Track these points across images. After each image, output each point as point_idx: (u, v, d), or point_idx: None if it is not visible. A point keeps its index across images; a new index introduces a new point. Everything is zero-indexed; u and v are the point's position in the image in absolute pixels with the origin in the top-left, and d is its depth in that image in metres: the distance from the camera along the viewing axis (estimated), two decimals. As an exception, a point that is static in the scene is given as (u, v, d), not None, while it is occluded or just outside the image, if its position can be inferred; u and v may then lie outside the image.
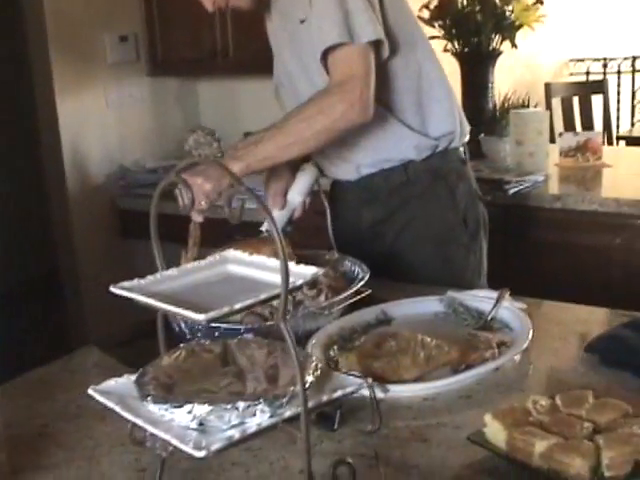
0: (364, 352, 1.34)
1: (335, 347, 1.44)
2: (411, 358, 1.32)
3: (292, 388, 1.04)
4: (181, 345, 1.21)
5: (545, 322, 1.57)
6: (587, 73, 5.91)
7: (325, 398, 1.08)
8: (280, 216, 1.78)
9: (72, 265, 3.38)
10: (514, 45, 3.11)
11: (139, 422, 1.05)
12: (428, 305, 1.62)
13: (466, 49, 3.12)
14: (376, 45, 1.70)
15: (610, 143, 4.60)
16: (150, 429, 1.03)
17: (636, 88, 5.95)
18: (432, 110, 1.83)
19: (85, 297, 3.42)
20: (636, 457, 1.02)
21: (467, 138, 1.93)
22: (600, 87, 4.82)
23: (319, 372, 1.10)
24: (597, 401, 1.16)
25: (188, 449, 0.98)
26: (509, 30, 3.02)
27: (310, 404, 1.05)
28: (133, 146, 3.61)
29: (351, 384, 1.12)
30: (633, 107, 5.94)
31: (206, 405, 1.01)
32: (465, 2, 3.07)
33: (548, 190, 2.70)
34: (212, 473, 1.15)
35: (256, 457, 1.18)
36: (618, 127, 5.59)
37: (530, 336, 1.42)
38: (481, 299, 1.60)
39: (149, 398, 1.05)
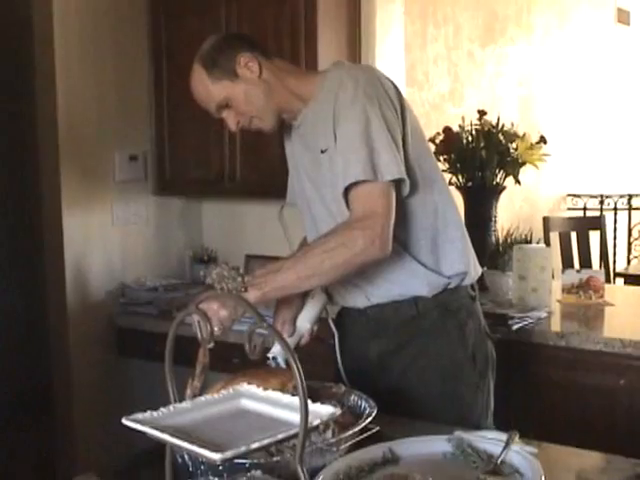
0: (375, 494, 1.30)
1: (342, 486, 1.40)
2: (423, 503, 1.27)
3: (304, 534, 1.00)
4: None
5: (556, 468, 1.53)
6: (584, 209, 6.02)
7: None
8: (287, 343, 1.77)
9: (67, 380, 3.32)
10: (517, 182, 3.17)
11: None
12: (436, 445, 1.58)
13: (470, 183, 3.18)
14: (397, 183, 1.73)
15: (608, 280, 4.63)
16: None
17: (632, 225, 6.05)
18: (446, 250, 1.85)
19: (77, 416, 3.34)
20: None
21: (478, 277, 1.94)
22: (597, 223, 4.90)
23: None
24: None
25: None
26: (513, 167, 3.08)
27: None
28: (135, 264, 3.62)
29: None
30: (630, 244, 6.02)
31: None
32: (470, 138, 3.15)
33: (551, 327, 2.69)
34: None
35: None
36: (615, 263, 5.65)
37: (542, 483, 1.38)
38: (490, 441, 1.56)
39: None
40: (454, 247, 1.86)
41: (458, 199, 3.18)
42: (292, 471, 1.45)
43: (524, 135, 3.12)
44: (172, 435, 1.01)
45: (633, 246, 6.05)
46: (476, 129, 3.16)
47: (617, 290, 3.90)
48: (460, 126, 3.20)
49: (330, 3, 3.11)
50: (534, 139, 3.14)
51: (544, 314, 2.74)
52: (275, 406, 1.12)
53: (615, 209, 6.02)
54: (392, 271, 1.81)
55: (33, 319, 3.30)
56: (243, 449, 0.96)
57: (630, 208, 6.07)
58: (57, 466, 3.23)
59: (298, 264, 1.65)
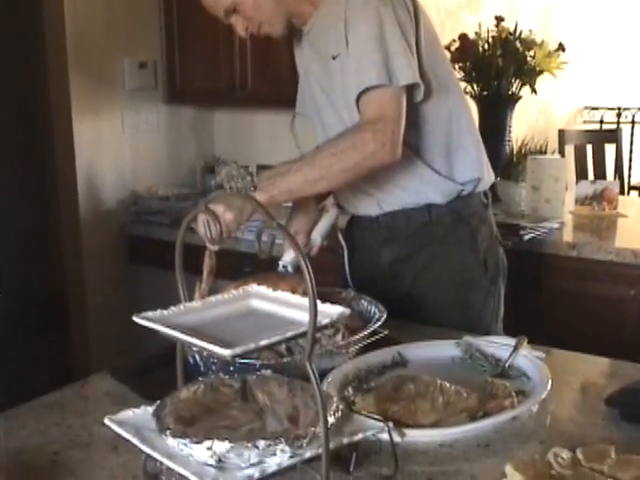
0: (382, 394, 1.32)
1: (350, 387, 1.42)
2: (430, 403, 1.29)
3: (313, 429, 1.02)
4: (200, 379, 1.19)
5: (563, 372, 1.54)
6: (601, 122, 5.93)
7: (345, 440, 1.06)
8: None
9: (80, 287, 3.36)
10: (534, 91, 3.11)
11: (156, 455, 1.03)
12: (445, 349, 1.60)
13: (485, 92, 3.12)
14: (410, 88, 1.70)
15: (622, 193, 4.59)
16: (167, 463, 1.01)
17: (649, 138, 5.96)
18: (459, 157, 1.83)
19: (90, 320, 3.40)
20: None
21: (491, 184, 1.92)
22: (614, 136, 4.83)
23: (340, 413, 1.08)
24: (620, 457, 1.14)
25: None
26: (530, 75, 3.02)
27: (331, 445, 1.03)
28: (146, 173, 3.61)
29: (371, 427, 1.11)
30: (646, 157, 5.95)
31: (226, 442, 0.99)
32: (487, 46, 3.08)
33: (563, 238, 2.68)
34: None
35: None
36: (630, 177, 5.60)
37: (549, 386, 1.40)
38: (498, 346, 1.58)
39: (168, 432, 1.03)
40: (467, 153, 1.83)
41: (473, 109, 3.14)
42: (302, 372, 1.46)
43: (542, 42, 3.05)
44: (183, 332, 1.02)
45: (649, 159, 5.98)
46: (493, 36, 3.08)
47: (631, 202, 3.88)
48: (476, 33, 3.12)
49: None
50: (552, 47, 3.07)
51: (556, 225, 2.73)
52: (285, 306, 1.12)
53: (633, 122, 5.92)
54: (404, 178, 1.79)
55: (47, 228, 3.32)
56: (252, 346, 0.96)
57: (648, 121, 5.98)
58: (72, 367, 3.30)
59: (306, 167, 1.63)
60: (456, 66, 3.10)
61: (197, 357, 1.46)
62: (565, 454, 1.14)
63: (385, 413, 1.29)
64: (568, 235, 2.74)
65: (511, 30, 3.07)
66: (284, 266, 1.74)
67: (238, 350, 0.95)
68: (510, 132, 3.11)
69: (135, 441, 1.06)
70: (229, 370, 1.40)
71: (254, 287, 1.19)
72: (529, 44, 3.04)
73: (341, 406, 1.10)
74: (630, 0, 6.12)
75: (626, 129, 5.54)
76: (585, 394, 1.47)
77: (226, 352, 0.95)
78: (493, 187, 3.00)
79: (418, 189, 1.81)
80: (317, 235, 1.81)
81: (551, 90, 4.95)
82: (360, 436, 1.07)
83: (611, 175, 4.66)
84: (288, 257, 1.75)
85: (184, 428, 1.03)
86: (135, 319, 1.07)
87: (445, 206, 1.82)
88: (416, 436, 1.26)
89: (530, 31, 3.13)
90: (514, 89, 3.10)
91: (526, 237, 2.57)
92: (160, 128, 3.66)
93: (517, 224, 2.63)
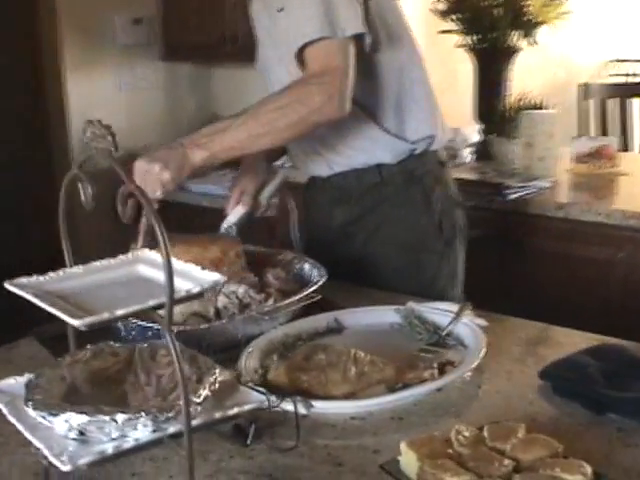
0: (293, 364, 1.26)
1: (275, 355, 1.36)
2: (341, 373, 1.23)
3: (181, 403, 0.96)
4: (88, 346, 1.14)
5: (507, 341, 1.47)
6: (627, 75, 5.70)
7: (218, 415, 1.00)
8: (243, 214, 1.71)
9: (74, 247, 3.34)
10: (534, 42, 2.98)
11: (19, 427, 0.99)
12: (384, 315, 1.53)
13: (484, 45, 2.99)
14: (358, 39, 1.61)
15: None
16: (28, 435, 0.97)
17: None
18: (411, 111, 1.73)
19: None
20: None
21: (447, 142, 1.83)
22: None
23: (216, 386, 1.02)
24: (527, 436, 1.06)
25: (55, 460, 0.91)
26: (528, 27, 2.89)
27: (198, 420, 0.98)
28: (143, 131, 3.56)
29: (254, 400, 1.05)
30: (674, 113, 5.71)
31: (84, 415, 0.94)
32: (484, -5, 2.95)
33: (554, 197, 2.57)
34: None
35: (158, 468, 1.10)
36: (656, 132, 5.39)
37: (481, 356, 1.32)
38: (441, 312, 1.50)
39: (30, 403, 0.98)
40: (420, 109, 1.74)
41: (467, 65, 3.02)
42: (225, 338, 1.42)
43: (539, -9, 2.90)
44: (47, 300, 0.96)
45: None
46: (489, -17, 2.94)
47: (636, 159, 3.66)
48: (473, -19, 2.99)
49: None
50: (552, -4, 2.92)
51: (547, 184, 2.61)
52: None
53: (663, 75, 5.69)
54: (352, 137, 1.71)
55: (41, 193, 3.30)
56: (106, 316, 0.91)
57: (680, 74, 5.72)
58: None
59: (250, 122, 1.55)
60: (453, 16, 2.98)
61: (119, 323, 1.42)
62: (468, 431, 1.07)
63: (295, 383, 1.24)
64: (559, 195, 2.62)
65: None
66: (229, 226, 1.68)
67: (88, 320, 0.90)
68: (507, 86, 2.98)
69: (5, 411, 1.02)
70: (147, 336, 1.35)
71: (145, 252, 1.13)
72: (526, -7, 2.90)
73: (221, 377, 1.04)
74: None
75: (653, 83, 5.31)
76: (524, 365, 1.38)
77: (75, 322, 0.89)
78: (485, 144, 2.92)
79: (367, 149, 1.73)
80: (265, 195, 1.74)
81: (572, 42, 4.76)
82: (235, 410, 1.01)
83: (637, 131, 4.48)
84: (233, 218, 1.69)
85: (49, 399, 0.99)
86: (7, 285, 1.02)
87: (396, 165, 1.74)
88: (323, 408, 1.20)
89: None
90: (514, 41, 2.97)
91: (510, 197, 2.47)
92: (157, 85, 3.60)
93: (502, 183, 2.52)
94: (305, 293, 1.49)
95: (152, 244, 1.60)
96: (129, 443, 0.94)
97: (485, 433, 1.08)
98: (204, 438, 1.13)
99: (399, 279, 1.74)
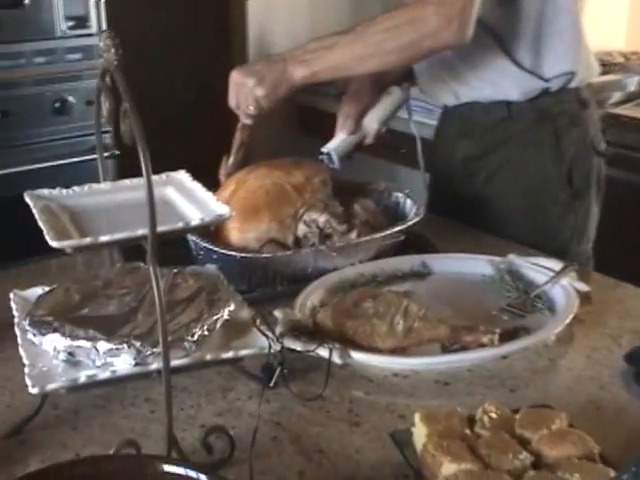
0: (340, 308, 1.16)
1: (340, 295, 1.27)
2: (388, 326, 1.12)
3: (170, 338, 0.91)
4: (130, 263, 1.12)
5: (608, 313, 1.27)
6: None
7: (209, 357, 0.94)
8: (346, 141, 1.60)
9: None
10: None
11: (19, 340, 0.98)
12: (477, 265, 1.38)
13: None
14: None
15: None
16: (21, 352, 0.96)
17: None
18: (552, 44, 1.51)
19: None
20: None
21: (592, 79, 1.59)
22: None
23: (217, 327, 0.96)
24: (562, 429, 0.91)
25: (27, 380, 0.89)
26: None
27: (185, 360, 0.93)
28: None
29: (255, 346, 0.98)
30: None
31: (68, 339, 0.92)
32: None
33: None
34: (120, 406, 1.03)
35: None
36: None
37: (559, 327, 1.16)
38: (541, 270, 1.33)
39: (28, 318, 0.97)
40: (561, 40, 1.50)
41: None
42: (294, 269, 1.34)
43: None
44: (44, 213, 0.94)
45: None
46: None
47: None
48: None
49: None
50: None
51: None
52: (190, 200, 1.00)
53: None
54: (481, 69, 1.53)
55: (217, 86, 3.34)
56: (87, 241, 0.86)
57: None
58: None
59: (356, 41, 1.43)
60: None
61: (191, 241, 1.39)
62: (498, 412, 0.94)
63: (341, 329, 1.15)
64: None
65: None
66: (327, 153, 1.58)
67: (67, 243, 0.86)
68: None
69: (17, 330, 1.01)
70: (212, 259, 1.31)
71: (180, 174, 1.08)
72: None
73: (226, 316, 0.98)
74: None
75: None
76: (615, 344, 1.18)
77: (53, 243, 0.86)
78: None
79: (495, 81, 1.54)
80: (372, 121, 1.60)
81: None
82: (230, 354, 0.95)
83: None
84: (332, 144, 1.59)
85: (47, 317, 0.97)
86: (25, 196, 1.00)
87: (527, 102, 1.54)
88: (361, 359, 1.10)
89: None
90: None
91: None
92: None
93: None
94: (396, 229, 1.37)
95: (243, 161, 1.57)
96: (105, 374, 0.90)
97: (517, 416, 0.94)
98: (231, 374, 1.08)
99: (516, 226, 1.57)
